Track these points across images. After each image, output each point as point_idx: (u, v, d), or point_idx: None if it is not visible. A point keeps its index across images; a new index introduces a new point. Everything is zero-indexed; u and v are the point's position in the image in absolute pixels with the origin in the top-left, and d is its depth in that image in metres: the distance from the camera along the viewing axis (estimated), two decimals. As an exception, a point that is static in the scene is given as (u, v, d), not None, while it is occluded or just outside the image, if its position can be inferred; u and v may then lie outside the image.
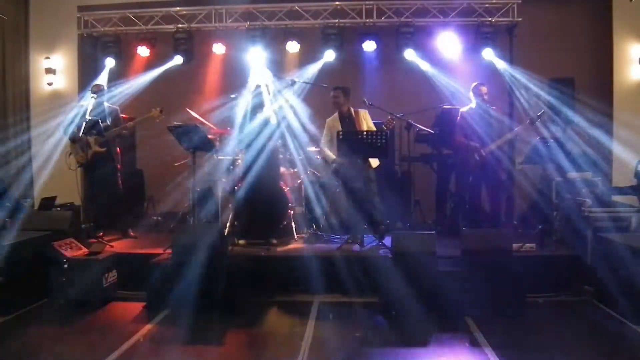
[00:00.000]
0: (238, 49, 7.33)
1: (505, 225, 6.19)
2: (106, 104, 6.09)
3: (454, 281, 4.50)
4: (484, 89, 5.78)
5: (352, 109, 5.75)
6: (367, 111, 5.77)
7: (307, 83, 6.68)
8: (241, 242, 5.51)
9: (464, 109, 5.89)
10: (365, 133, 5.35)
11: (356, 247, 5.45)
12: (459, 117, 5.86)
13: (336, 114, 5.77)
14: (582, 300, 4.80)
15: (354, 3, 7.14)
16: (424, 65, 7.05)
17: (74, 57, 7.58)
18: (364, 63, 7.50)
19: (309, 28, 7.30)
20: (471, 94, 5.87)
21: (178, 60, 7.30)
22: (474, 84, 5.88)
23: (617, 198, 5.70)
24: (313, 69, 7.18)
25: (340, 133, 5.31)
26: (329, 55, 7.14)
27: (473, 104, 5.85)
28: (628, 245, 4.38)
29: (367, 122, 5.69)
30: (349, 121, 5.69)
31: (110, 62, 7.30)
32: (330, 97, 5.76)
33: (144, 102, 6.95)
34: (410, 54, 7.05)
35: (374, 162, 5.65)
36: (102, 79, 7.13)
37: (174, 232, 4.92)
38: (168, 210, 7.14)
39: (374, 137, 5.26)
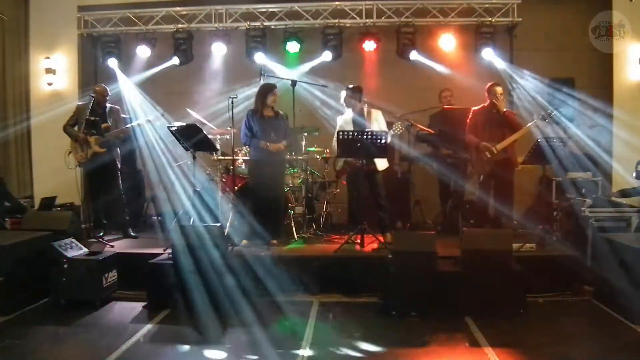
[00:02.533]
0: (238, 49, 7.34)
1: (505, 225, 6.18)
2: (107, 104, 6.09)
3: (454, 281, 4.51)
4: (499, 90, 5.68)
5: (365, 108, 5.75)
6: (380, 111, 5.76)
7: (307, 83, 6.68)
8: (244, 242, 5.51)
9: (476, 108, 5.85)
10: (365, 133, 5.33)
11: (356, 247, 5.45)
12: (470, 116, 5.83)
13: (349, 112, 5.78)
14: (582, 300, 4.81)
15: (354, 3, 7.15)
16: (429, 63, 7.06)
17: (74, 57, 7.57)
18: (364, 63, 7.51)
19: (309, 28, 7.30)
20: (486, 94, 5.83)
21: (175, 61, 7.32)
22: (489, 84, 5.79)
23: (617, 198, 5.69)
24: (307, 68, 7.24)
25: (341, 133, 5.30)
26: (327, 55, 7.16)
27: (486, 103, 5.82)
28: (628, 245, 4.38)
29: (378, 123, 5.67)
30: (361, 119, 5.69)
31: (113, 63, 7.32)
32: (343, 96, 5.76)
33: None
34: (410, 54, 7.05)
35: (381, 165, 5.63)
36: (121, 79, 7.21)
37: (174, 232, 4.91)
38: (168, 210, 7.15)
39: (374, 137, 5.24)
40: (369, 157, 5.44)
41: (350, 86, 5.78)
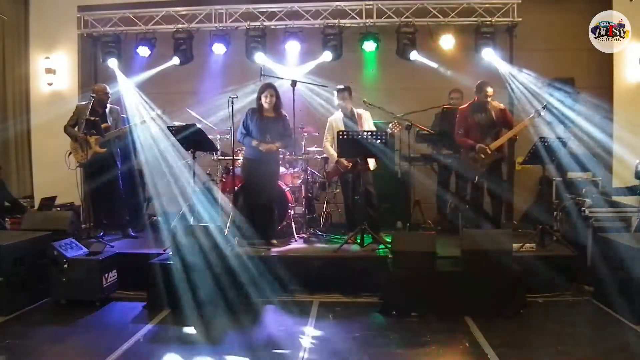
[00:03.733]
0: (238, 49, 7.34)
1: (505, 225, 6.18)
2: (108, 105, 6.09)
3: (454, 281, 4.51)
4: (489, 91, 5.63)
5: (354, 109, 5.75)
6: (369, 112, 5.76)
7: (307, 83, 6.68)
8: (243, 241, 5.49)
9: (463, 107, 5.82)
10: (365, 133, 5.33)
11: (356, 247, 5.45)
12: (458, 116, 5.78)
13: (339, 113, 5.78)
14: (582, 300, 4.80)
15: (354, 3, 7.15)
16: (429, 63, 7.05)
17: (74, 57, 7.57)
18: (364, 63, 7.50)
19: (309, 28, 7.30)
20: (475, 90, 5.80)
21: (175, 61, 7.32)
22: (479, 82, 5.75)
23: (617, 198, 5.70)
24: (307, 68, 7.22)
25: (341, 132, 5.29)
26: (327, 56, 7.16)
27: (473, 101, 5.78)
28: (628, 245, 4.38)
29: (368, 124, 5.68)
30: (352, 120, 5.68)
31: (113, 63, 7.32)
32: (335, 97, 5.75)
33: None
34: (410, 54, 7.05)
35: (371, 165, 5.63)
36: (120, 79, 7.19)
37: (173, 232, 4.92)
38: (168, 210, 7.14)
39: (374, 137, 5.24)
40: (368, 157, 5.44)
41: (341, 87, 5.77)
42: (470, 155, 5.66)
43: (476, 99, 5.71)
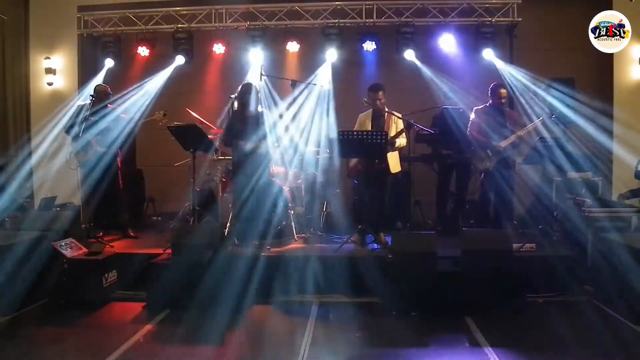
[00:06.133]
0: (238, 49, 7.35)
1: (505, 225, 6.19)
2: (109, 105, 6.08)
3: (454, 281, 4.51)
4: (503, 92, 5.75)
5: (386, 109, 5.57)
6: (400, 120, 5.57)
7: (307, 83, 6.68)
8: (243, 242, 5.48)
9: (478, 107, 5.88)
10: (365, 133, 5.32)
11: (356, 247, 5.45)
12: (472, 115, 5.85)
13: (370, 111, 5.62)
14: (582, 300, 4.80)
15: (354, 3, 7.15)
16: (424, 67, 7.05)
17: (74, 57, 7.59)
18: (364, 63, 7.51)
19: (309, 28, 7.31)
20: (489, 93, 5.86)
21: (180, 60, 7.31)
22: (493, 84, 5.85)
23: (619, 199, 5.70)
24: (323, 72, 7.14)
25: (340, 132, 5.28)
26: (332, 56, 7.15)
27: (488, 103, 5.84)
28: (628, 245, 4.38)
29: (397, 126, 5.51)
30: (380, 120, 5.56)
31: (109, 63, 7.31)
32: (372, 97, 5.50)
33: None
34: (410, 54, 7.06)
35: (395, 167, 5.56)
36: (99, 80, 7.14)
37: (173, 232, 4.92)
38: (168, 210, 7.15)
39: (374, 137, 5.23)
40: (367, 157, 5.43)
41: (373, 84, 5.64)
42: (478, 153, 5.71)
43: (490, 102, 5.76)
